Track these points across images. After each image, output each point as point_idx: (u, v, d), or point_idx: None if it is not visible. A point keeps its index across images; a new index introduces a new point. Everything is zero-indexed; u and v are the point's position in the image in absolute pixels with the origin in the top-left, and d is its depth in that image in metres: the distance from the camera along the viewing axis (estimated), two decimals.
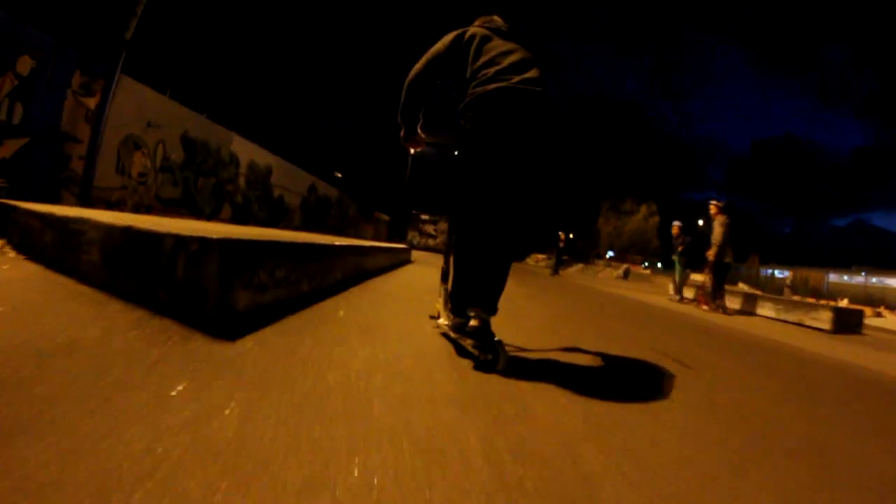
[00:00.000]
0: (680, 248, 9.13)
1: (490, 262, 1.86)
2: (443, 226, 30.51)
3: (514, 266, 2.49)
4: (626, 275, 29.31)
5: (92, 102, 7.12)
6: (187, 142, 8.96)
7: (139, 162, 7.87)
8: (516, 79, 1.82)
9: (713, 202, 7.90)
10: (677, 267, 9.26)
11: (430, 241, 29.89)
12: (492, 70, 1.85)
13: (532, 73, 1.86)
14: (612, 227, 53.45)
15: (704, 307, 7.73)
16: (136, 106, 7.70)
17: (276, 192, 13.78)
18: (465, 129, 1.90)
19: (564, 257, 36.80)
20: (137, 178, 7.90)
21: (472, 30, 2.02)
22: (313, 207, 17.08)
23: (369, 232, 27.63)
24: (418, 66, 2.00)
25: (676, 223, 9.51)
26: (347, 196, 22.90)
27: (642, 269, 42.16)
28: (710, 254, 7.53)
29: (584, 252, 51.23)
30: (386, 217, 31.74)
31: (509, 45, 1.95)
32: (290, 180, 14.79)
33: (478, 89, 1.84)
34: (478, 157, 1.87)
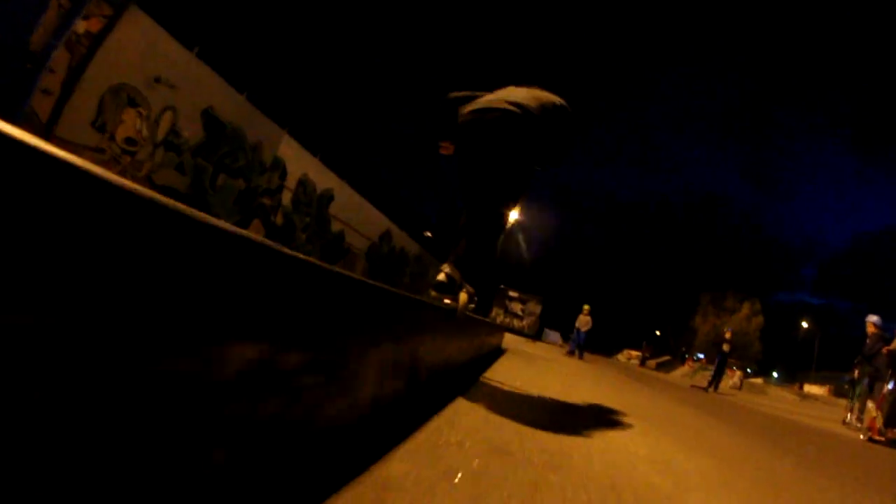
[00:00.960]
0: (880, 354, 6.64)
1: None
2: (533, 307, 26.73)
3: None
4: (741, 385, 23.53)
5: (83, 26, 4.97)
6: (211, 121, 6.54)
7: (130, 124, 5.44)
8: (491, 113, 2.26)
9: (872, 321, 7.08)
10: (860, 385, 7.25)
11: (516, 323, 25.88)
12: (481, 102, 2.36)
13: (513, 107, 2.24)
14: (711, 325, 47.01)
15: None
16: (142, 50, 5.46)
17: (336, 227, 11.20)
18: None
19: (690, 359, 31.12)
20: (123, 145, 5.43)
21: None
22: (384, 258, 14.33)
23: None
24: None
25: (874, 318, 7.18)
26: (431, 256, 20.30)
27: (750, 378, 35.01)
28: None
29: (675, 350, 44.49)
30: (470, 289, 28.57)
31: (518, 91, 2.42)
32: (357, 217, 12.21)
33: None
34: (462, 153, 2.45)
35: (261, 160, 7.90)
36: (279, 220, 8.74)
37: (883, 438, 5.93)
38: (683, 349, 45.79)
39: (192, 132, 6.34)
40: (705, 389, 11.28)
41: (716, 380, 11.84)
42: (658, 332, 55.04)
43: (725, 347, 12.48)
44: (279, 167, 8.48)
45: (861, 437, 6.14)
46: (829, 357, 36.99)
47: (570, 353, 12.92)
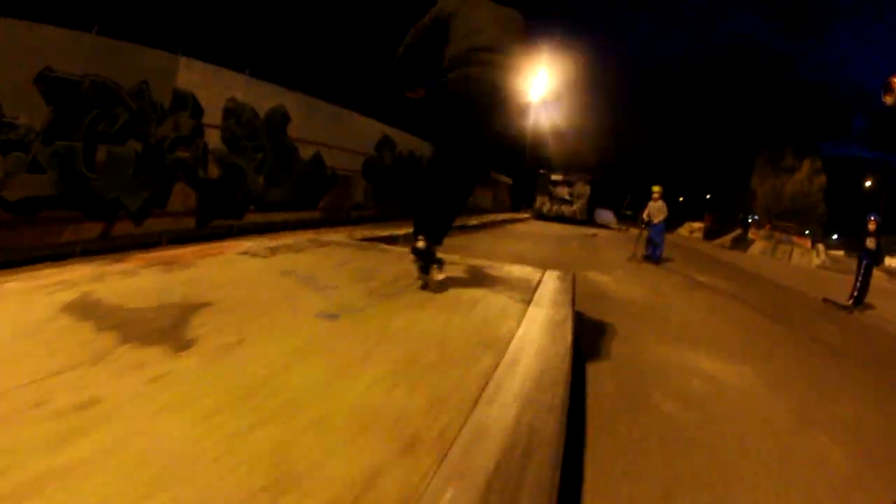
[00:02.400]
0: None
1: (438, 202, 2.49)
2: (581, 188, 24.24)
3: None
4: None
5: None
6: (54, 85, 4.42)
7: None
8: (474, 68, 2.36)
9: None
10: None
11: (566, 209, 23.91)
12: (459, 50, 2.39)
13: (494, 56, 2.37)
14: (770, 186, 42.76)
15: None
16: None
17: (307, 152, 9.12)
18: (438, 95, 2.46)
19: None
20: None
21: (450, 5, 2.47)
22: (388, 171, 12.22)
23: (487, 199, 21.69)
24: (407, 37, 2.52)
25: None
26: None
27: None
28: None
29: (734, 216, 41.26)
30: (508, 180, 25.71)
31: (483, 17, 2.44)
32: (335, 132, 9.97)
33: (446, 75, 2.40)
34: (440, 124, 2.49)
35: (153, 104, 5.76)
36: (213, 171, 6.82)
37: None
38: (741, 215, 42.71)
39: (31, 112, 4.29)
40: (844, 307, 7.87)
41: (860, 293, 7.99)
42: (708, 196, 51.28)
43: (870, 243, 8.22)
44: (186, 103, 6.24)
45: None
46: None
47: (646, 257, 9.82)
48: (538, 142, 31.03)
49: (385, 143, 11.96)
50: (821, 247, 22.60)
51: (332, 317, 1.86)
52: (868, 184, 41.04)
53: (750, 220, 37.89)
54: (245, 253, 2.90)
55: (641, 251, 9.88)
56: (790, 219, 39.47)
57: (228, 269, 2.51)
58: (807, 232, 34.51)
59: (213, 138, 6.79)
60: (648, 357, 3.48)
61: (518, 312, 2.23)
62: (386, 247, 4.23)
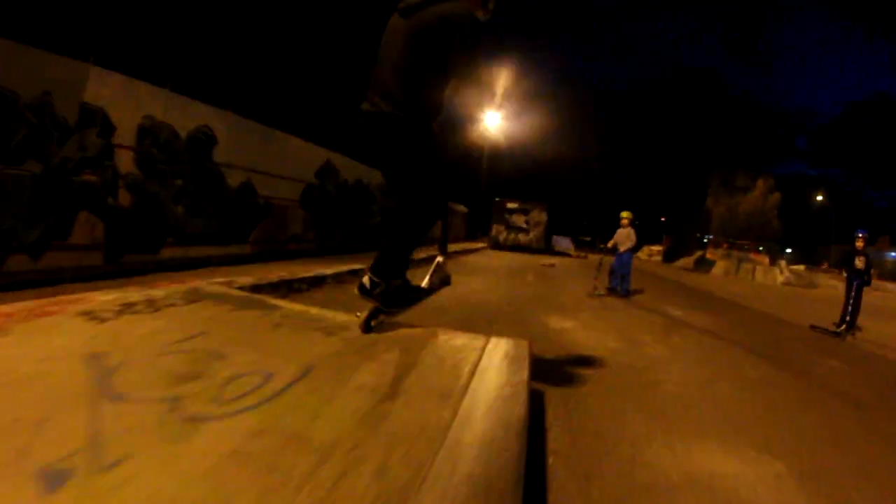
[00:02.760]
0: None
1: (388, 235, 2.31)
2: (537, 216, 23.58)
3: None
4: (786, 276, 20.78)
5: None
6: None
7: None
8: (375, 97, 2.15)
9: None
10: None
11: (522, 238, 23.26)
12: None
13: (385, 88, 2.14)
14: (725, 206, 44.06)
15: None
16: None
17: (236, 179, 8.00)
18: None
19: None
20: None
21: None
22: (331, 201, 11.03)
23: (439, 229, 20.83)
24: None
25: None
26: None
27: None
28: None
29: (689, 239, 42.26)
30: (463, 209, 24.87)
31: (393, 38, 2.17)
32: (269, 156, 8.88)
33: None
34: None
35: (55, 120, 5.16)
36: (125, 198, 5.72)
37: None
38: (699, 235, 43.65)
39: None
40: (836, 334, 7.22)
41: (852, 317, 7.41)
42: (663, 219, 52.56)
43: (859, 263, 7.67)
44: (94, 120, 5.62)
45: None
46: (844, 229, 35.69)
47: (611, 290, 8.88)
48: (495, 168, 30.66)
49: (327, 170, 10.85)
50: (783, 263, 22.69)
51: (56, 480, 1.09)
52: (819, 198, 43.55)
53: (706, 241, 38.62)
54: (86, 314, 2.23)
55: (605, 284, 8.93)
56: (746, 236, 40.50)
57: (23, 348, 1.84)
58: (760, 248, 35.25)
59: (126, 161, 6.14)
60: (641, 465, 2.35)
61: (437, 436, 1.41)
62: (276, 302, 3.03)
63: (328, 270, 6.90)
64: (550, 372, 3.57)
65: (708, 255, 25.88)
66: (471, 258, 16.09)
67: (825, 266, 35.64)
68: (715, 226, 42.33)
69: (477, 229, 25.66)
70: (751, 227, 42.49)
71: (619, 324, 6.07)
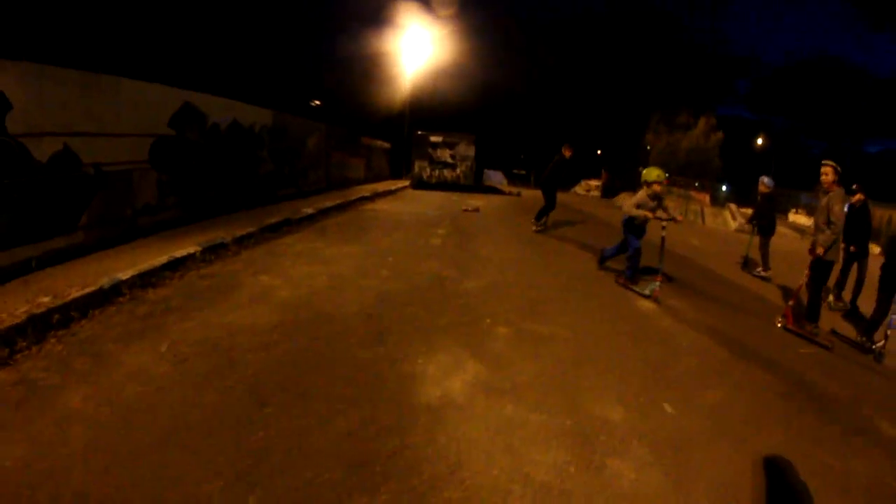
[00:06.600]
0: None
1: None
2: (464, 149, 21.46)
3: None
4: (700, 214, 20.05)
5: None
6: None
7: None
8: None
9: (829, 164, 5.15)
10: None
11: (448, 173, 21.21)
12: None
13: None
14: (665, 143, 43.89)
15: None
16: None
17: (51, 148, 5.38)
18: None
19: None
20: None
21: None
22: (197, 153, 8.38)
23: (359, 169, 18.38)
24: None
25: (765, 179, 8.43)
26: (310, 119, 13.89)
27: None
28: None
29: (629, 174, 41.87)
30: (385, 144, 22.20)
31: None
32: (95, 112, 6.14)
33: None
34: None
35: None
36: None
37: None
38: (641, 168, 43.15)
39: None
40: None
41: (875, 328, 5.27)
42: (599, 152, 52.14)
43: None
44: None
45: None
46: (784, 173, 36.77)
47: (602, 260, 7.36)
48: (419, 101, 28.03)
49: (187, 115, 8.09)
50: (733, 206, 21.75)
51: None
52: (759, 142, 44.22)
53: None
54: None
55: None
56: (686, 173, 40.58)
57: None
58: (697, 184, 35.14)
59: None
60: None
61: None
62: None
63: (192, 248, 4.71)
64: None
65: None
66: (379, 205, 13.08)
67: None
68: (654, 161, 42.39)
69: (402, 166, 23.38)
70: (691, 164, 42.66)
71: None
